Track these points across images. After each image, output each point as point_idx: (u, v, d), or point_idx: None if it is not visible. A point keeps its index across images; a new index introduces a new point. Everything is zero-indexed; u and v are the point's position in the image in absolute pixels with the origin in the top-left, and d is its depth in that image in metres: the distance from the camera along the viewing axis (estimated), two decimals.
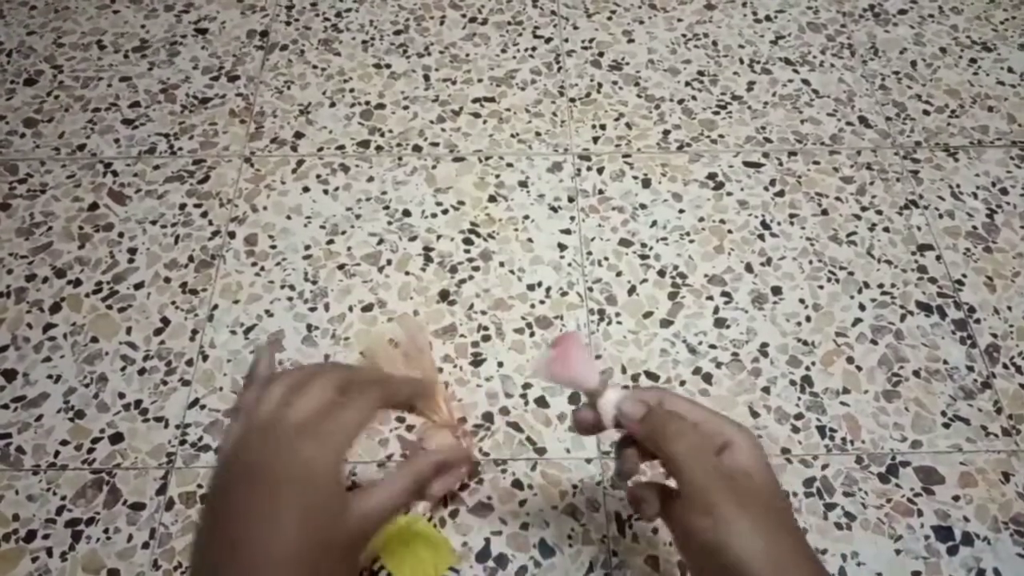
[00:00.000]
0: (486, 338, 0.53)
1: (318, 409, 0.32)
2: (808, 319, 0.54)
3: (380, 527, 0.33)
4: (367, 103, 0.66)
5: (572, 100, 0.66)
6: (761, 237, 0.58)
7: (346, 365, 0.35)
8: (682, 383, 0.51)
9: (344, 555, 0.31)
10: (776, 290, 0.55)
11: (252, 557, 0.29)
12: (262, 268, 0.56)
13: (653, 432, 0.34)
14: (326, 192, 0.60)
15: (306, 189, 0.60)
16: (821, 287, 0.55)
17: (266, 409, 0.32)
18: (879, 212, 0.60)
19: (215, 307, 0.54)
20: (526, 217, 0.59)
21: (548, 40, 0.71)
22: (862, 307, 0.55)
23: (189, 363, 0.51)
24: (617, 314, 0.54)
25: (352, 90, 0.67)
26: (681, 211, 0.59)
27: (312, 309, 0.54)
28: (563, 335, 0.36)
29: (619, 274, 0.56)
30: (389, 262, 0.56)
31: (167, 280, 0.55)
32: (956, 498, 0.47)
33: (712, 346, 0.52)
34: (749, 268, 0.56)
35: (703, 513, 0.31)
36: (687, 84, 0.67)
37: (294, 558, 0.29)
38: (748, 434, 0.34)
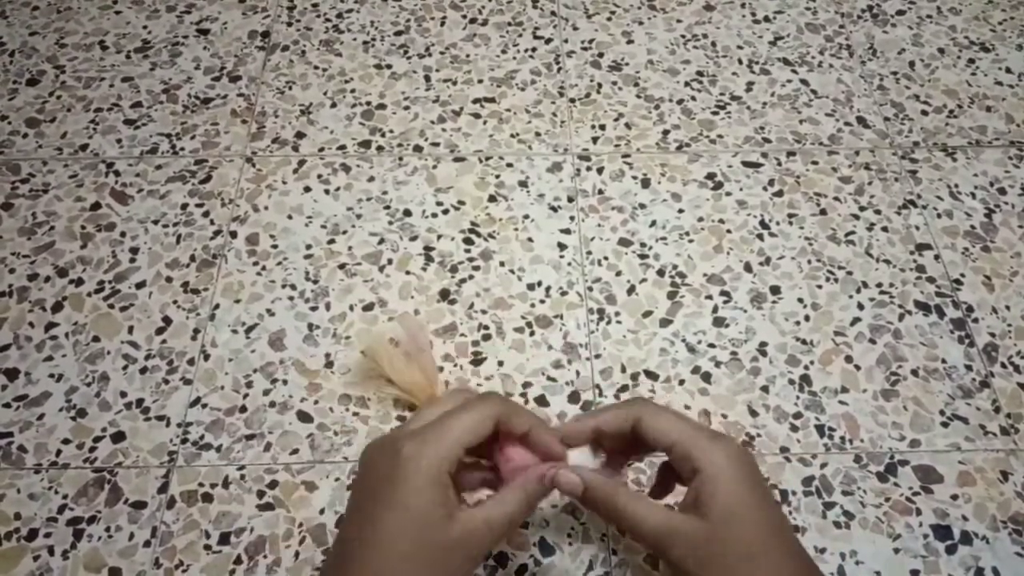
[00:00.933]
0: (486, 337, 0.53)
1: (435, 418, 0.33)
2: (807, 318, 0.54)
3: (492, 540, 0.33)
4: (368, 103, 0.66)
5: (572, 100, 0.66)
6: (760, 237, 0.58)
7: (490, 393, 0.36)
8: (681, 382, 0.51)
9: (444, 561, 0.31)
10: (775, 289, 0.55)
11: (353, 553, 0.31)
12: (263, 267, 0.56)
13: (597, 508, 0.35)
14: (327, 192, 0.60)
15: (307, 189, 0.61)
16: (820, 286, 0.56)
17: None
18: (877, 212, 0.60)
19: (217, 306, 0.54)
20: (526, 217, 0.59)
21: (548, 41, 0.71)
22: (861, 306, 0.55)
23: (191, 362, 0.52)
24: (616, 313, 0.54)
25: (353, 90, 0.67)
26: (680, 211, 0.60)
27: (313, 308, 0.54)
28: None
29: (618, 274, 0.56)
30: (390, 261, 0.57)
31: (169, 279, 0.55)
32: (955, 497, 0.47)
33: (711, 345, 0.53)
34: (748, 267, 0.57)
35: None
36: (686, 84, 0.68)
37: (389, 552, 0.30)
38: (723, 453, 0.33)
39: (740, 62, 0.69)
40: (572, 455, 0.36)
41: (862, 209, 0.60)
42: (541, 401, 0.50)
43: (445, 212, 0.59)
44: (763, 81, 0.68)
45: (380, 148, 0.63)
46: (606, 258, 0.57)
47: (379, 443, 0.34)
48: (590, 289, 0.55)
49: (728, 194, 0.61)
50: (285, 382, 0.51)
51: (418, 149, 0.63)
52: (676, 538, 0.33)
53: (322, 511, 0.46)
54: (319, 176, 0.61)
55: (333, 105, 0.66)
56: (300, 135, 0.64)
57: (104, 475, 0.47)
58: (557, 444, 0.36)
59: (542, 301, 0.55)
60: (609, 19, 0.73)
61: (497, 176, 0.61)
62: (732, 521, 0.32)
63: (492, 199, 0.60)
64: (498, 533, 0.33)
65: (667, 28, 0.72)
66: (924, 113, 0.66)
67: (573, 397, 0.50)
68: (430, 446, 0.32)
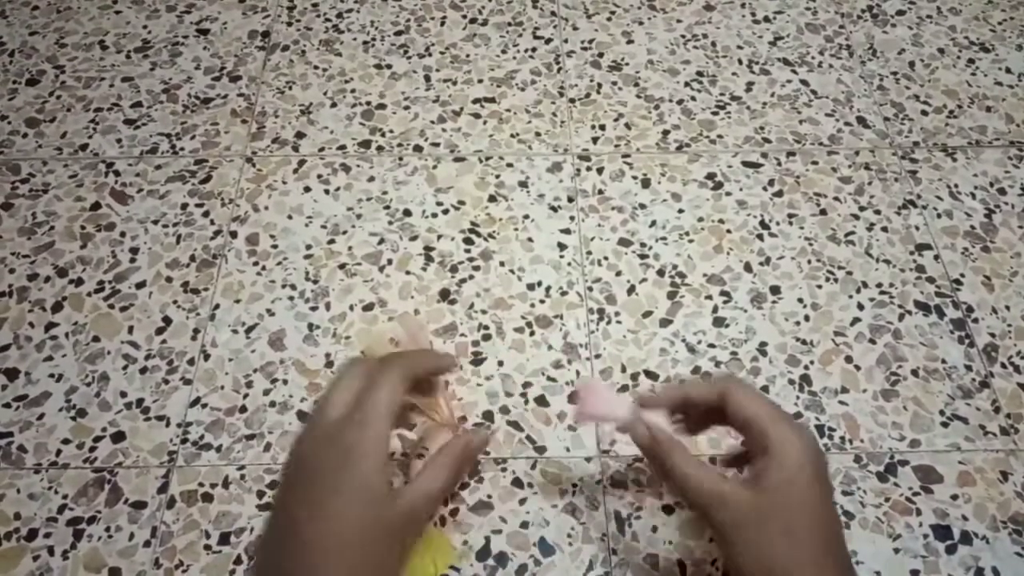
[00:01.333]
0: (486, 337, 0.53)
1: (350, 399, 0.34)
2: (807, 318, 0.54)
3: (430, 512, 0.35)
4: (368, 103, 0.66)
5: (572, 101, 0.66)
6: (760, 237, 0.58)
7: (389, 357, 0.38)
8: (681, 382, 0.51)
9: (395, 537, 0.33)
10: (775, 289, 0.55)
11: (305, 549, 0.31)
12: (263, 267, 0.56)
13: (654, 460, 0.37)
14: (327, 192, 0.60)
15: (307, 189, 0.61)
16: (820, 286, 0.56)
17: (313, 411, 0.35)
18: (877, 212, 0.60)
19: (217, 306, 0.54)
20: (526, 217, 0.59)
21: (548, 41, 0.71)
22: (860, 306, 0.55)
23: (191, 362, 0.52)
24: (616, 313, 0.54)
25: (353, 90, 0.67)
26: (680, 211, 0.60)
27: (313, 308, 0.54)
28: (581, 386, 0.39)
29: (618, 274, 0.56)
30: (390, 261, 0.57)
31: (169, 279, 0.55)
32: (955, 497, 0.47)
33: (711, 345, 0.53)
34: (748, 268, 0.57)
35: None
36: (686, 85, 0.68)
37: (344, 543, 0.31)
38: (799, 441, 0.34)
39: (740, 62, 0.69)
40: (648, 416, 0.39)
41: (862, 209, 0.60)
42: (541, 401, 0.50)
43: (445, 212, 0.59)
44: (763, 81, 0.68)
45: (380, 148, 0.63)
46: (606, 258, 0.57)
47: (315, 434, 0.34)
48: (590, 289, 0.55)
49: (728, 194, 0.61)
50: (285, 382, 0.51)
51: (418, 149, 0.63)
52: (724, 501, 0.34)
53: None
54: (319, 176, 0.61)
55: (333, 105, 0.66)
56: (300, 135, 0.64)
57: (104, 475, 0.47)
58: (445, 410, 0.38)
59: (542, 301, 0.55)
60: (609, 19, 0.73)
61: (497, 176, 0.61)
62: (783, 497, 0.33)
63: (492, 199, 0.60)
64: (436, 503, 0.35)
65: (667, 28, 0.72)
66: (924, 113, 0.66)
67: (573, 397, 0.50)
68: (368, 429, 0.33)
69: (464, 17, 0.73)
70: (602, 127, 0.65)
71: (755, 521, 0.33)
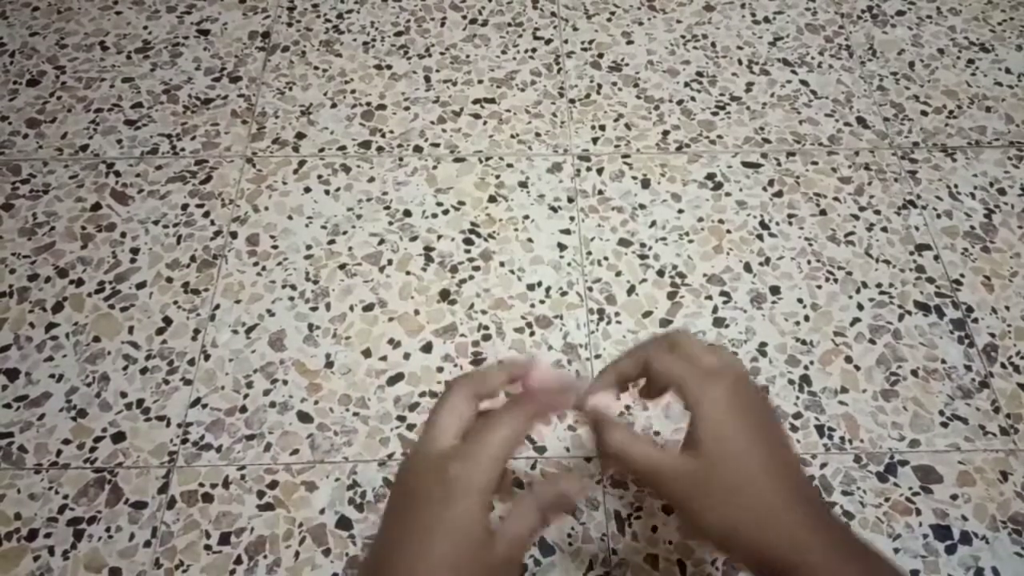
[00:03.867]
0: (486, 337, 0.53)
1: (461, 427, 0.34)
2: (807, 318, 0.54)
3: (523, 557, 0.34)
4: (368, 104, 0.66)
5: (572, 101, 0.66)
6: (760, 237, 0.58)
7: (467, 374, 0.37)
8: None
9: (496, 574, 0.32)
10: (775, 290, 0.55)
11: (403, 565, 0.31)
12: (264, 268, 0.56)
13: (597, 440, 0.36)
14: (327, 192, 0.60)
15: (307, 189, 0.61)
16: (819, 287, 0.56)
17: (421, 436, 0.35)
18: (877, 212, 0.60)
19: (217, 307, 0.54)
20: (526, 217, 0.59)
21: (548, 41, 0.71)
22: (860, 307, 0.55)
23: (191, 362, 0.52)
24: (616, 314, 0.54)
25: (353, 91, 0.67)
26: (680, 211, 0.60)
27: (313, 309, 0.54)
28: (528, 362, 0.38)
29: (618, 274, 0.56)
30: (390, 262, 0.57)
31: (169, 280, 0.56)
32: (954, 497, 0.47)
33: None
34: (748, 268, 0.57)
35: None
36: (686, 85, 0.68)
37: (440, 569, 0.31)
38: (715, 390, 0.34)
39: (740, 63, 0.69)
40: (593, 399, 0.38)
41: (862, 209, 0.60)
42: None
43: (445, 212, 0.59)
44: (763, 82, 0.68)
45: (380, 149, 0.63)
46: (606, 258, 0.57)
47: (422, 459, 0.34)
48: (590, 289, 0.55)
49: (728, 194, 0.61)
50: (285, 382, 0.51)
51: (418, 150, 0.63)
52: (666, 475, 0.34)
53: (322, 511, 0.46)
54: (319, 177, 0.61)
55: (333, 106, 0.66)
56: (300, 136, 0.64)
57: (104, 475, 0.47)
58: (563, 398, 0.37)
59: (542, 301, 0.55)
60: (609, 20, 0.73)
61: (497, 176, 0.62)
62: (718, 455, 0.33)
63: (492, 199, 0.60)
64: (527, 548, 0.35)
65: (667, 29, 0.72)
66: (924, 113, 0.66)
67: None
68: (475, 466, 0.32)
69: (464, 18, 0.73)
70: (602, 127, 0.65)
71: (700, 487, 0.33)
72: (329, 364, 0.52)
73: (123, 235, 0.58)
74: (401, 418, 0.50)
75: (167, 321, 0.54)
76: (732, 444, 0.33)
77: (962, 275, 0.56)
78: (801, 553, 0.31)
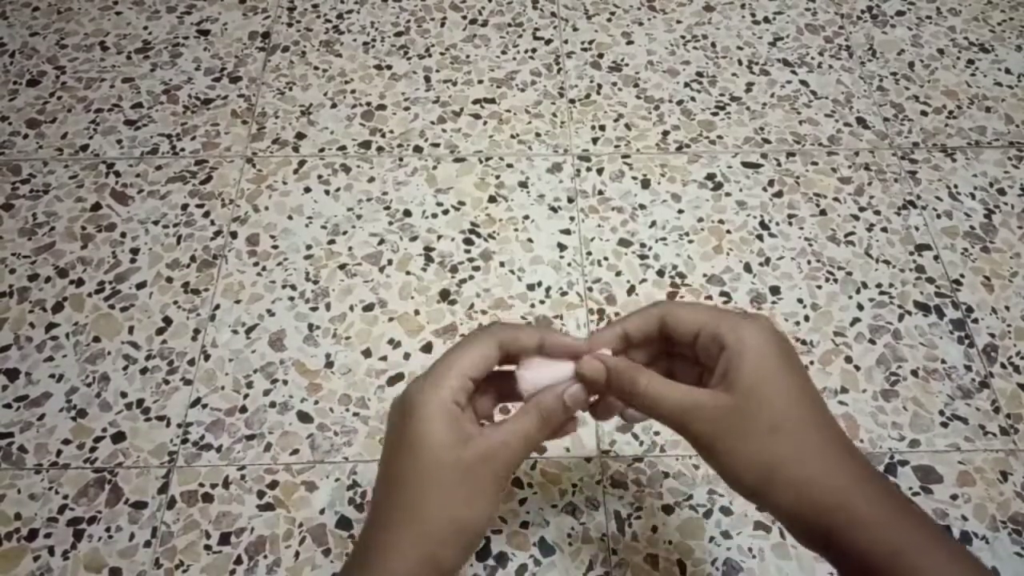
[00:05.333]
0: None
1: (474, 371, 0.34)
2: (807, 319, 0.54)
3: (509, 458, 0.33)
4: (368, 104, 0.66)
5: (572, 101, 0.67)
6: (760, 237, 0.58)
7: (492, 323, 0.36)
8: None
9: (464, 481, 0.32)
10: (775, 290, 0.55)
11: (377, 499, 0.33)
12: (264, 268, 0.56)
13: (621, 393, 0.34)
14: (327, 192, 0.60)
15: (307, 189, 0.61)
16: (819, 287, 0.56)
17: None
18: (877, 212, 0.60)
19: (217, 307, 0.54)
20: (526, 217, 0.59)
21: (548, 42, 0.71)
22: (860, 307, 0.55)
23: (191, 362, 0.52)
24: (616, 314, 0.54)
25: (353, 91, 0.67)
26: (680, 211, 0.60)
27: (313, 309, 0.54)
28: (522, 363, 0.36)
29: (618, 274, 0.56)
30: (390, 262, 0.57)
31: (169, 280, 0.56)
32: (954, 497, 0.47)
33: None
34: (748, 268, 0.57)
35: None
36: (686, 85, 0.68)
37: (409, 483, 0.32)
38: (752, 328, 0.32)
39: (740, 63, 0.69)
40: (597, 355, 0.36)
41: (862, 210, 0.60)
42: None
43: (445, 212, 0.59)
44: (763, 82, 0.68)
45: (380, 149, 0.63)
46: (606, 258, 0.57)
47: (398, 395, 0.35)
48: (590, 289, 0.55)
49: (728, 195, 0.61)
50: (285, 382, 0.51)
51: (418, 150, 0.63)
52: (699, 412, 0.32)
53: (322, 511, 0.46)
54: (319, 177, 0.61)
55: (333, 106, 0.66)
56: (300, 136, 0.64)
57: (104, 475, 0.47)
58: (576, 341, 0.35)
59: (542, 301, 0.55)
60: (609, 20, 0.73)
61: (497, 177, 0.62)
62: (756, 393, 0.31)
63: (492, 200, 0.60)
64: (517, 451, 0.33)
65: (667, 29, 0.72)
66: (924, 114, 0.66)
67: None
68: (435, 382, 0.33)
69: (464, 18, 0.73)
70: (602, 128, 0.65)
71: (737, 424, 0.31)
72: (329, 364, 0.52)
73: (123, 235, 0.58)
74: None
75: (167, 321, 0.54)
76: (773, 382, 0.31)
77: (962, 275, 0.56)
78: (843, 495, 0.29)
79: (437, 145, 0.63)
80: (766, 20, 0.73)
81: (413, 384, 0.34)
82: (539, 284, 0.56)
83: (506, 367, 0.36)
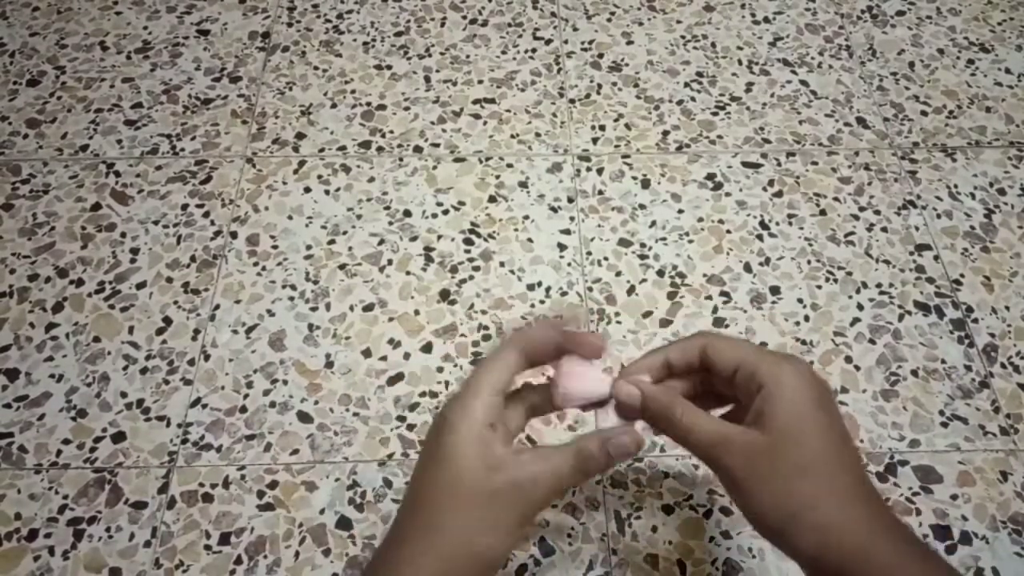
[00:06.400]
0: (486, 337, 0.53)
1: (503, 385, 0.34)
2: (807, 319, 0.54)
3: (534, 503, 0.33)
4: (368, 104, 0.66)
5: (572, 101, 0.67)
6: (760, 237, 0.58)
7: (513, 332, 0.39)
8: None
9: (490, 508, 0.32)
10: (775, 290, 0.55)
11: (401, 514, 0.34)
12: (264, 268, 0.56)
13: (656, 419, 0.34)
14: (327, 192, 0.60)
15: (307, 189, 0.61)
16: (819, 287, 0.56)
17: None
18: (877, 212, 0.60)
19: (217, 307, 0.54)
20: (526, 217, 0.59)
21: (548, 42, 0.71)
22: (860, 307, 0.55)
23: (191, 362, 0.52)
24: (616, 314, 0.54)
25: (353, 91, 0.67)
26: (680, 211, 0.60)
27: (313, 309, 0.54)
28: (558, 366, 0.36)
29: (618, 274, 0.56)
30: (390, 262, 0.57)
31: (169, 280, 0.56)
32: (954, 497, 0.47)
33: None
34: (748, 268, 0.57)
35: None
36: (686, 85, 0.68)
37: (435, 504, 0.32)
38: (790, 370, 0.32)
39: (740, 63, 0.69)
40: (634, 379, 0.36)
41: (862, 209, 0.60)
42: None
43: (445, 212, 0.59)
44: (763, 82, 0.68)
45: (380, 149, 0.63)
46: (606, 258, 0.57)
47: (438, 412, 0.36)
48: (590, 289, 0.55)
49: (728, 194, 0.61)
50: (285, 382, 0.51)
51: (418, 150, 0.63)
52: (730, 446, 0.32)
53: (322, 511, 0.46)
54: (319, 177, 0.61)
55: (333, 106, 0.66)
56: (300, 136, 0.64)
57: (104, 475, 0.47)
58: (595, 337, 0.36)
59: (542, 302, 0.55)
60: (609, 20, 0.73)
61: (497, 177, 0.62)
62: (788, 435, 0.31)
63: (492, 200, 0.60)
64: (547, 491, 0.33)
65: (667, 29, 0.72)
66: (924, 114, 0.66)
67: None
68: (465, 403, 0.33)
69: (464, 18, 0.73)
70: (602, 128, 0.65)
71: (767, 463, 0.31)
72: (329, 364, 0.52)
73: (123, 235, 0.58)
74: (401, 418, 0.50)
75: (167, 321, 0.54)
76: (806, 425, 0.31)
77: (962, 275, 0.56)
78: (866, 542, 0.30)
79: (437, 145, 0.63)
80: (766, 20, 0.73)
81: (448, 404, 0.34)
82: (539, 284, 0.56)
83: (537, 379, 0.36)
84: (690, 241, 0.58)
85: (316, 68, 0.69)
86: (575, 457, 0.33)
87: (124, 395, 0.50)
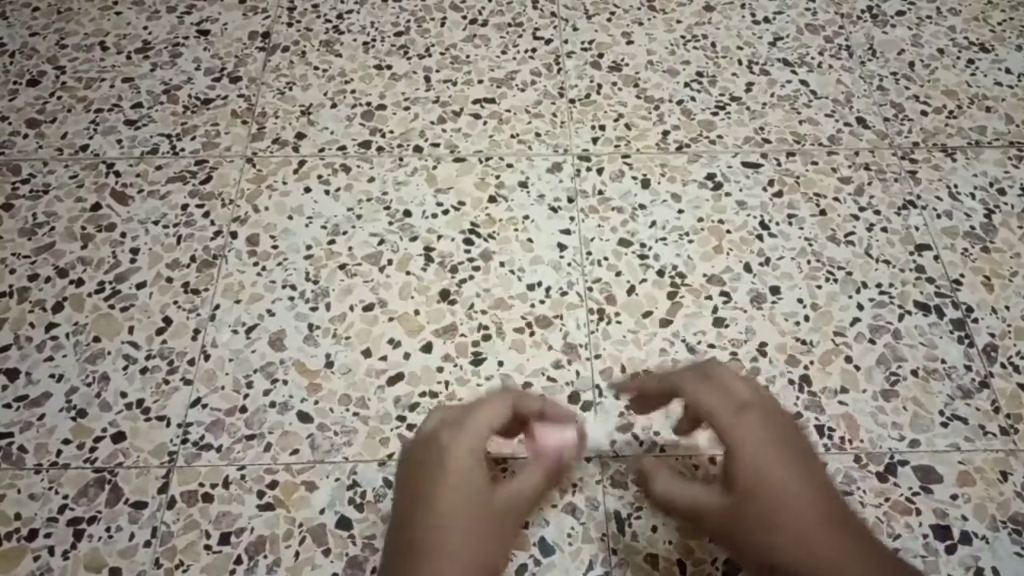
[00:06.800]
0: (486, 337, 0.53)
1: (449, 418, 0.39)
2: (807, 319, 0.54)
3: (526, 510, 0.40)
4: (368, 104, 0.66)
5: (572, 101, 0.67)
6: (760, 237, 0.58)
7: (504, 387, 0.45)
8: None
9: (495, 526, 0.37)
10: (775, 290, 0.55)
11: (415, 531, 0.36)
12: (264, 268, 0.56)
13: (642, 489, 0.40)
14: (327, 192, 0.60)
15: (307, 189, 0.61)
16: (819, 287, 0.56)
17: (423, 424, 0.40)
18: (877, 212, 0.60)
19: (217, 307, 0.54)
20: (526, 217, 0.59)
21: (548, 41, 0.71)
22: (860, 307, 0.55)
23: (191, 362, 0.52)
24: (616, 314, 0.54)
25: (353, 91, 0.67)
26: (680, 211, 0.60)
27: (313, 309, 0.54)
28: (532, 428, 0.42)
29: (618, 274, 0.56)
30: (390, 262, 0.57)
31: (169, 280, 0.56)
32: (954, 497, 0.47)
33: (711, 345, 0.53)
34: (748, 268, 0.57)
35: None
36: (686, 85, 0.68)
37: (452, 526, 0.35)
38: (746, 427, 0.35)
39: (740, 63, 0.69)
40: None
41: (862, 209, 0.60)
42: None
43: (445, 212, 0.59)
44: (763, 82, 0.68)
45: (380, 149, 0.63)
46: (606, 258, 0.57)
47: (418, 439, 0.39)
48: (590, 289, 0.55)
49: (728, 194, 0.61)
50: (285, 382, 0.51)
51: (418, 150, 0.63)
52: (703, 513, 0.36)
53: (322, 511, 0.46)
54: (319, 177, 0.61)
55: (333, 106, 0.66)
56: (300, 136, 0.64)
57: (104, 475, 0.47)
58: (567, 412, 0.42)
59: (542, 301, 0.55)
60: (609, 20, 0.73)
61: (497, 177, 0.62)
62: (754, 494, 0.34)
63: (492, 200, 0.60)
64: (532, 500, 0.39)
65: (667, 29, 0.72)
66: (924, 114, 0.66)
67: (573, 397, 0.50)
68: (464, 431, 0.37)
69: (464, 18, 0.73)
70: (602, 127, 0.65)
71: (738, 523, 0.34)
72: (329, 364, 0.52)
73: (123, 235, 0.58)
74: (401, 418, 0.50)
75: (167, 321, 0.54)
76: (766, 476, 0.34)
77: (962, 275, 0.56)
78: (840, 570, 0.32)
79: (437, 145, 0.63)
80: (766, 20, 0.73)
81: (444, 430, 0.37)
82: (539, 284, 0.56)
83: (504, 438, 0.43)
84: (690, 241, 0.58)
85: (316, 68, 0.69)
86: (542, 470, 0.40)
87: (124, 395, 0.50)
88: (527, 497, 0.39)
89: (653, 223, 0.59)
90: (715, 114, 0.66)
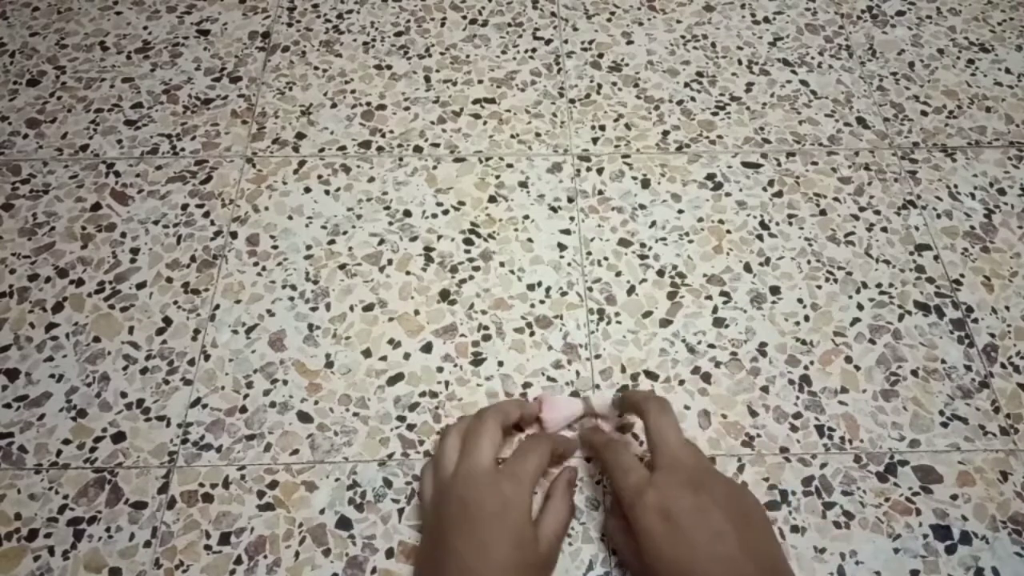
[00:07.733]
0: (486, 337, 0.53)
1: (496, 451, 0.42)
2: (806, 319, 0.54)
3: (559, 548, 0.43)
4: (368, 104, 0.66)
5: (572, 101, 0.67)
6: (760, 237, 0.58)
7: (495, 407, 0.45)
8: (681, 382, 0.51)
9: (540, 573, 0.41)
10: (775, 290, 0.56)
11: (463, 553, 0.38)
12: (264, 268, 0.56)
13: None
14: (327, 192, 0.60)
15: (307, 189, 0.61)
16: (819, 287, 0.56)
17: (451, 458, 0.42)
18: (877, 212, 0.60)
19: (217, 307, 0.54)
20: (526, 217, 0.59)
21: (548, 42, 0.71)
22: (860, 307, 0.55)
23: (191, 362, 0.52)
24: (616, 314, 0.54)
25: (353, 91, 0.67)
26: (680, 211, 0.60)
27: (313, 309, 0.54)
28: (541, 399, 0.48)
29: (618, 274, 0.56)
30: (390, 262, 0.57)
31: (169, 280, 0.56)
32: (954, 497, 0.47)
33: (711, 345, 0.53)
34: (748, 268, 0.57)
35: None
36: (686, 85, 0.68)
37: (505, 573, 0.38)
38: (641, 511, 0.39)
39: (740, 63, 0.69)
40: (599, 408, 0.49)
41: (862, 210, 0.60)
42: None
43: (445, 213, 0.59)
44: (763, 82, 0.68)
45: (380, 149, 0.63)
46: (606, 258, 0.57)
47: (481, 478, 0.40)
48: (590, 289, 0.55)
49: (728, 195, 0.61)
50: (285, 382, 0.51)
51: (418, 150, 0.63)
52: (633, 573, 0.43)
53: (322, 511, 0.46)
54: (319, 177, 0.61)
55: (333, 106, 0.66)
56: (300, 136, 0.64)
57: (104, 475, 0.47)
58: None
59: (542, 301, 0.55)
60: (609, 20, 0.73)
61: (497, 177, 0.62)
62: (649, 562, 0.38)
63: (492, 200, 0.60)
64: (562, 540, 0.44)
65: (667, 29, 0.72)
66: (924, 114, 0.66)
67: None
68: (520, 485, 0.40)
69: (464, 18, 0.73)
70: (602, 128, 0.65)
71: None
72: (329, 364, 0.52)
73: (123, 235, 0.58)
74: (401, 418, 0.50)
75: (167, 321, 0.54)
76: (660, 560, 0.38)
77: (962, 275, 0.56)
78: None
79: (437, 145, 0.63)
80: (766, 20, 0.73)
81: (506, 481, 0.40)
82: (539, 284, 0.56)
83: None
84: (690, 241, 0.58)
85: (316, 68, 0.69)
86: (563, 502, 0.44)
87: (124, 395, 0.50)
88: (560, 536, 0.43)
89: (653, 223, 0.59)
90: (715, 114, 0.66)
